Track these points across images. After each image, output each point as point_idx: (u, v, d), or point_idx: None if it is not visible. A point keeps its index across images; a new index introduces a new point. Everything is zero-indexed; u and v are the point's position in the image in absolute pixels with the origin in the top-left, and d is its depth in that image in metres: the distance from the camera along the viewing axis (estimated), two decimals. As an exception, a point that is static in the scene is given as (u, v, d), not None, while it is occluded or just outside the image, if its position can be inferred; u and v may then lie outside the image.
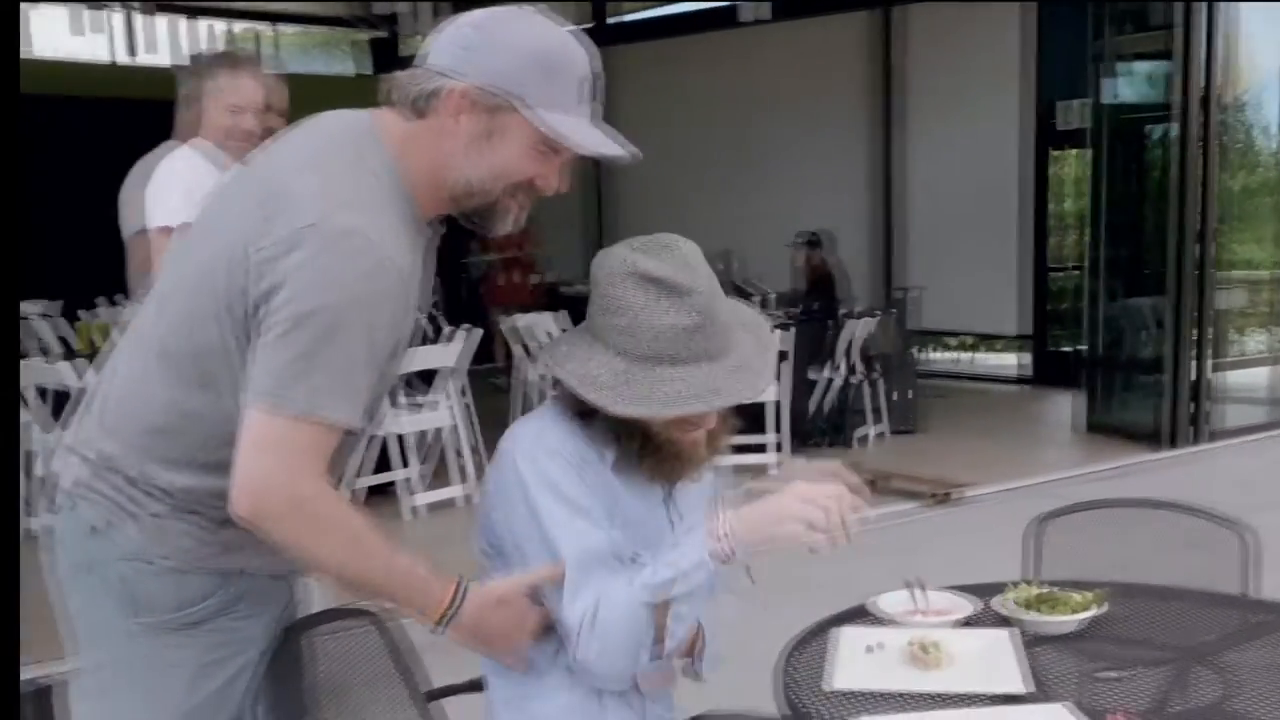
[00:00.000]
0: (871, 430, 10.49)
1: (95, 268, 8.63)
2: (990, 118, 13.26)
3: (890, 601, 2.74)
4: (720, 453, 2.43)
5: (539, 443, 2.33)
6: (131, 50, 13.09)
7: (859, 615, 2.76)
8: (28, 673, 1.83)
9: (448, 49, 2.15)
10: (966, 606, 2.68)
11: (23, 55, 14.60)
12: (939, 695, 2.30)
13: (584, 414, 2.33)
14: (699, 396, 2.23)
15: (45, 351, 9.80)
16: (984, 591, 2.80)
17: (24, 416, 7.18)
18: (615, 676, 2.30)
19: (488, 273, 14.00)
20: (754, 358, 2.33)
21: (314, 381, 2.03)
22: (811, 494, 2.25)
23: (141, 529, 2.20)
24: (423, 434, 8.25)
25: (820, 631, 2.66)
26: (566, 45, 2.18)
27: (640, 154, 2.24)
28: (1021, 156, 13.30)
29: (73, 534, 2.25)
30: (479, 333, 8.35)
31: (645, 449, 2.33)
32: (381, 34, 17.13)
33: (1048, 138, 13.26)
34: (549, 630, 2.32)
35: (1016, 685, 2.32)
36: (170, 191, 4.22)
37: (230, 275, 2.07)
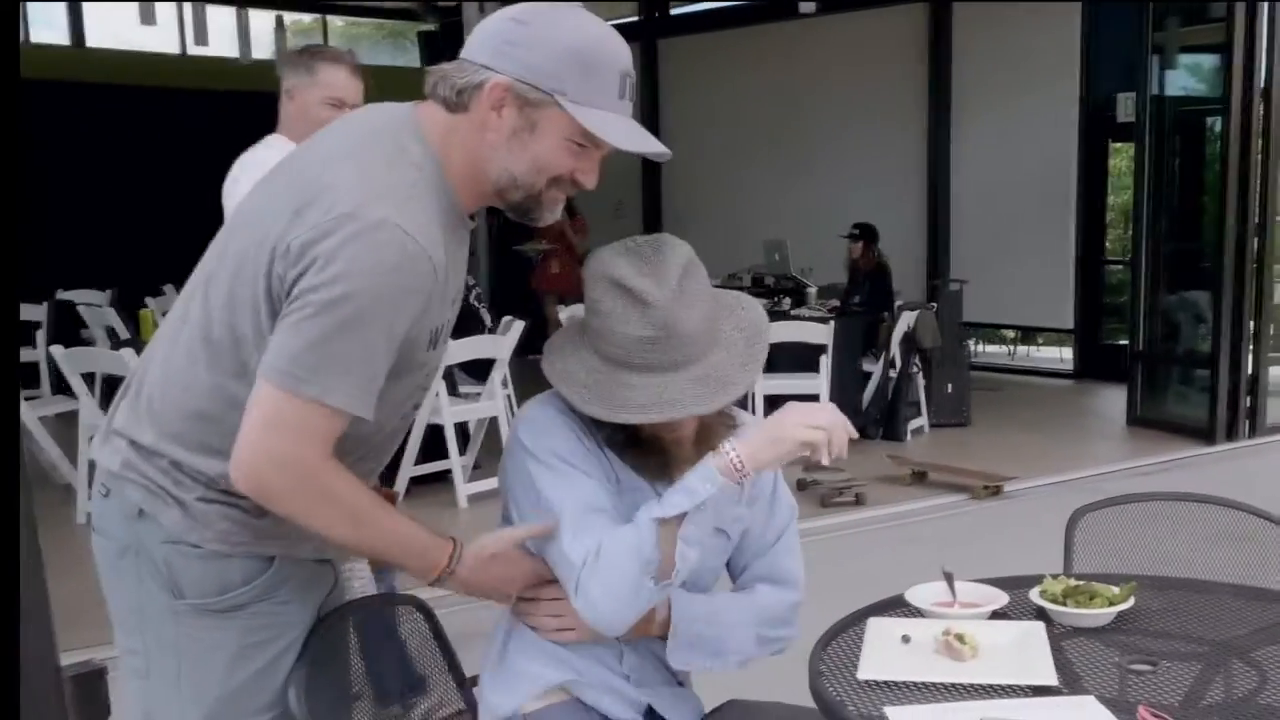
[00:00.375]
0: (924, 423, 10.50)
1: (160, 255, 8.77)
2: (1046, 110, 13.18)
3: (924, 592, 2.75)
4: (704, 451, 2.39)
5: (542, 415, 2.44)
6: (200, 39, 13.18)
7: (894, 606, 2.77)
8: (79, 655, 1.88)
9: (489, 42, 2.18)
10: (999, 598, 2.70)
11: (84, 45, 14.63)
12: (969, 686, 2.32)
13: (599, 432, 2.44)
14: (653, 406, 2.29)
15: (113, 336, 9.94)
16: (1018, 584, 2.81)
17: (82, 403, 7.30)
18: (618, 613, 2.32)
19: (540, 261, 14.06)
20: (729, 367, 2.36)
21: (329, 368, 2.08)
22: (809, 416, 2.34)
23: (184, 513, 2.24)
24: (478, 422, 8.31)
25: (855, 621, 2.68)
26: (606, 42, 2.19)
27: (671, 152, 2.27)
28: (1080, 149, 13.19)
29: (118, 517, 2.30)
30: (520, 324, 8.35)
31: (630, 444, 2.42)
32: (430, 27, 17.20)
33: (1107, 130, 13.16)
34: (544, 580, 2.44)
35: (1047, 677, 2.33)
36: (243, 184, 4.29)
37: (269, 263, 2.11)
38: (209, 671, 2.31)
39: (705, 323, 2.35)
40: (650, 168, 16.91)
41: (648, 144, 2.25)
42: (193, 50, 15.29)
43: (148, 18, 12.26)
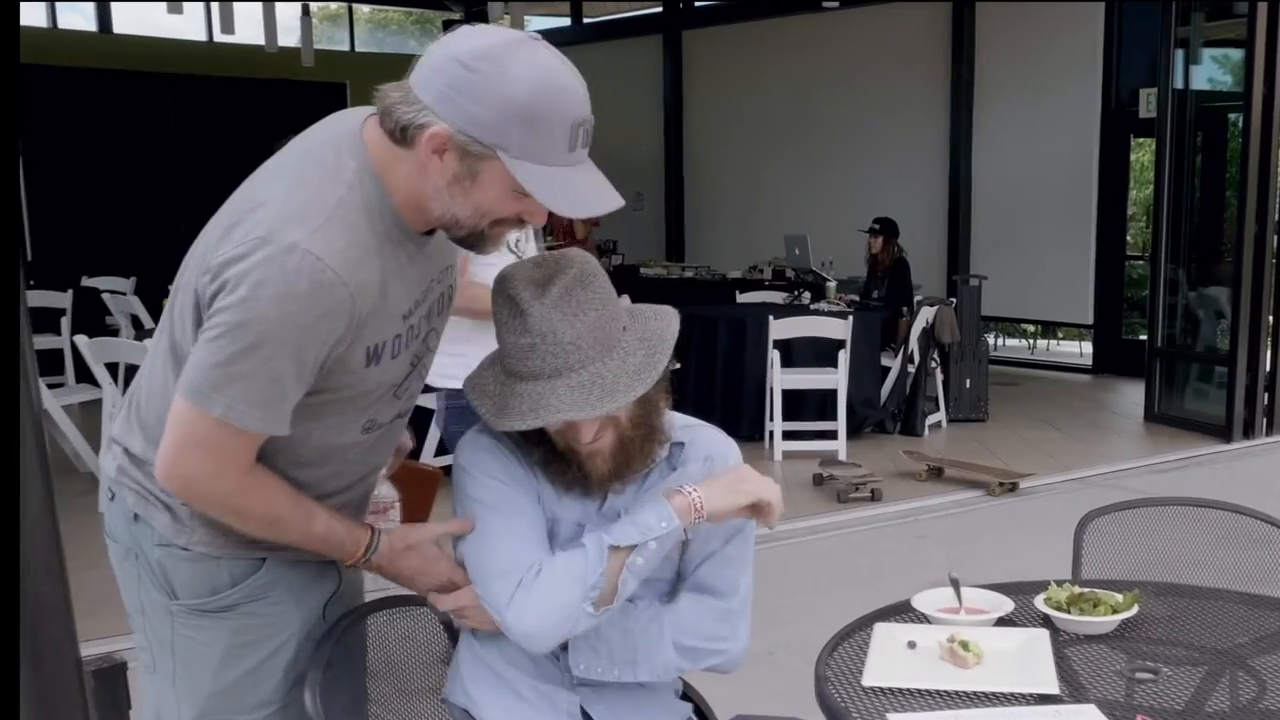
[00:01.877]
0: (941, 418, 10.52)
1: (183, 243, 8.84)
2: (1068, 105, 13.15)
3: (931, 598, 2.78)
4: (627, 469, 2.43)
5: (477, 445, 2.47)
6: (227, 27, 13.23)
7: (900, 611, 2.80)
8: (102, 645, 1.92)
9: (435, 83, 2.08)
10: (1005, 605, 2.72)
11: (111, 31, 14.63)
12: (972, 694, 2.35)
13: (523, 442, 2.44)
14: (530, 412, 2.27)
15: (136, 324, 9.98)
16: (1024, 590, 2.84)
17: (105, 392, 7.38)
18: (548, 633, 2.33)
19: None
20: (618, 375, 2.29)
21: (233, 389, 2.09)
22: (765, 481, 2.42)
23: (172, 517, 2.31)
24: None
25: (861, 626, 2.71)
26: (559, 94, 2.09)
27: (624, 202, 2.21)
28: (1101, 144, 13.18)
29: (118, 521, 2.39)
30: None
31: (550, 458, 2.42)
32: (456, 16, 17.22)
33: (1128, 125, 13.14)
34: (456, 583, 2.46)
35: (1050, 685, 2.36)
36: None
37: (198, 276, 2.14)
38: (202, 669, 2.38)
39: (592, 332, 2.27)
40: (671, 159, 16.92)
41: (588, 204, 2.18)
42: (219, 38, 15.37)
43: (175, 6, 12.31)
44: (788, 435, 9.33)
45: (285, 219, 2.07)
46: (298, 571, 2.41)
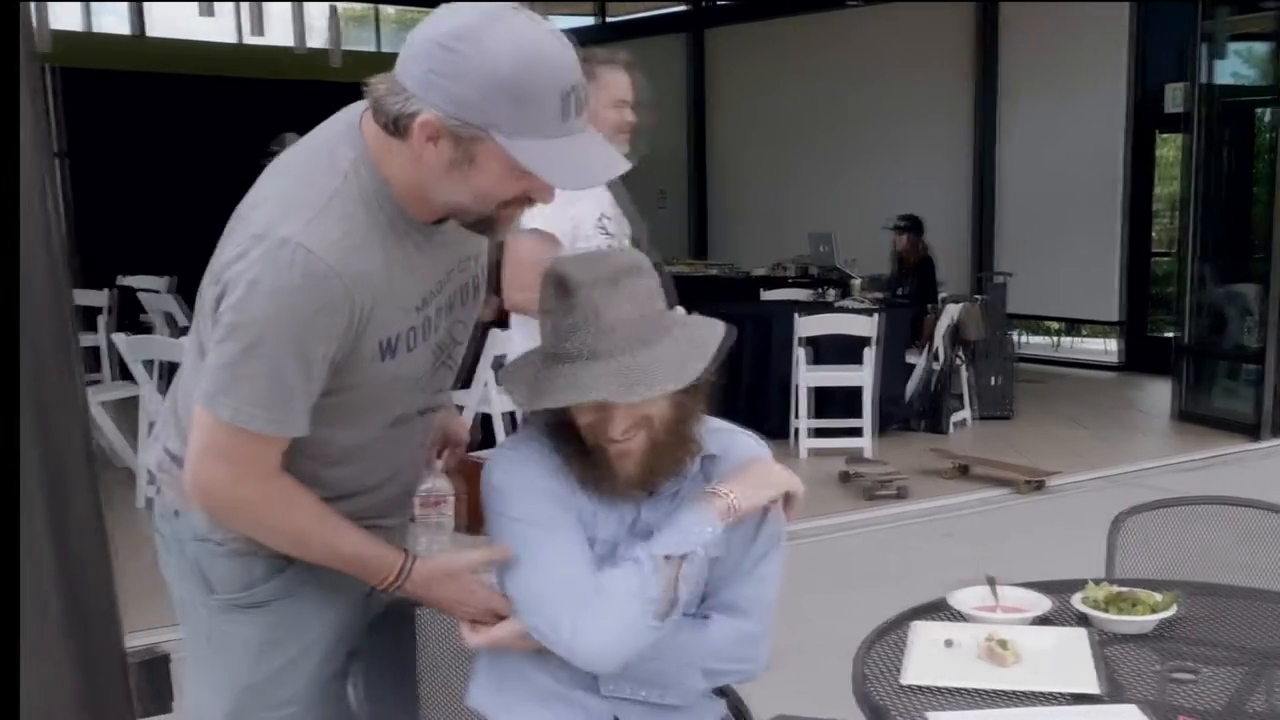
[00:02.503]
0: (967, 416, 10.50)
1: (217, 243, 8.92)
2: (1094, 101, 13.11)
3: (967, 596, 2.78)
4: (654, 476, 2.35)
5: (511, 461, 2.41)
6: (257, 29, 13.32)
7: (937, 609, 2.80)
8: (141, 638, 1.93)
9: (417, 69, 2.03)
10: (1042, 604, 2.72)
11: (144, 34, 14.78)
12: (1011, 693, 2.35)
13: (553, 438, 2.37)
14: (563, 390, 2.21)
15: (171, 323, 10.05)
16: (1061, 589, 2.83)
17: (142, 388, 7.46)
18: (616, 653, 2.27)
19: None
20: (660, 366, 2.22)
21: (240, 391, 2.07)
22: (788, 473, 2.43)
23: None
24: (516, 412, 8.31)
25: (898, 625, 2.71)
26: (542, 63, 2.01)
27: (628, 166, 2.18)
28: (1126, 140, 13.13)
29: (162, 515, 2.40)
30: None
31: (577, 457, 2.34)
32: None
33: (1154, 121, 13.09)
34: (496, 613, 2.36)
35: (1089, 685, 2.36)
36: None
37: (208, 281, 2.14)
38: (236, 664, 2.39)
39: (639, 320, 2.22)
40: (695, 156, 16.90)
41: (592, 173, 2.16)
42: (250, 40, 15.47)
43: (206, 8, 12.38)
44: (814, 433, 9.33)
45: (279, 214, 2.06)
46: (331, 571, 2.37)
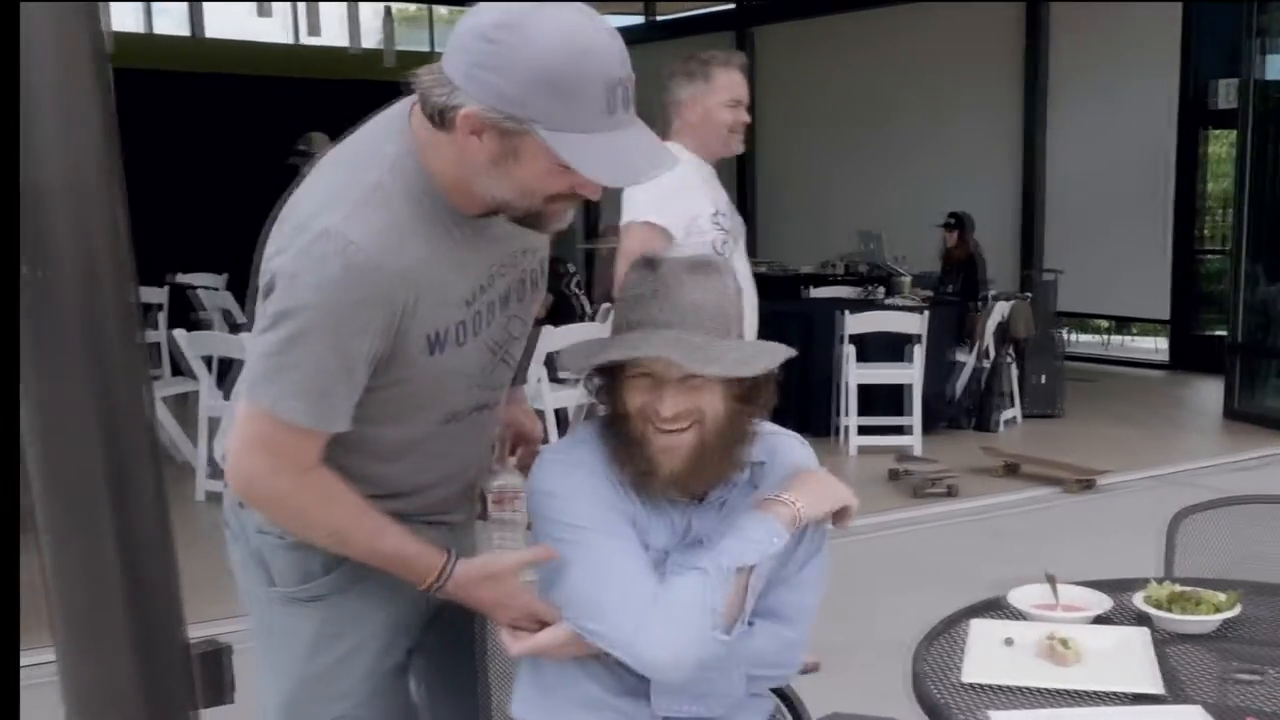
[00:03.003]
0: (1015, 414, 10.45)
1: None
2: (1143, 96, 13.01)
3: (1026, 594, 2.76)
4: (697, 478, 2.30)
5: (562, 464, 2.37)
6: (313, 29, 13.47)
7: (994, 607, 2.79)
8: (197, 631, 1.94)
9: (461, 61, 1.99)
10: (1102, 602, 2.71)
11: (202, 36, 14.95)
12: (1073, 692, 2.34)
13: (603, 424, 2.35)
14: (630, 346, 2.20)
15: (228, 319, 10.16)
16: (1120, 588, 2.81)
17: (201, 384, 7.55)
18: (681, 662, 2.22)
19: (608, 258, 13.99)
20: (721, 352, 2.19)
21: (280, 381, 2.07)
22: (833, 478, 2.39)
23: None
24: (577, 408, 8.29)
25: (955, 622, 2.69)
26: (586, 55, 1.95)
27: (676, 162, 2.14)
28: (1175, 136, 13.02)
29: (229, 506, 2.41)
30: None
31: (624, 450, 2.28)
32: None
33: (1203, 117, 12.97)
34: (537, 618, 2.31)
35: (1152, 685, 2.34)
36: (641, 189, 4.35)
37: (256, 277, 2.14)
38: (290, 657, 2.40)
39: (713, 310, 2.22)
40: (742, 154, 16.80)
41: (636, 169, 2.07)
42: (305, 40, 15.61)
43: (264, 8, 12.50)
44: (861, 430, 9.30)
45: (321, 207, 2.06)
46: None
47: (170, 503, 1.88)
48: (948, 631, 2.66)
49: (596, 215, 13.63)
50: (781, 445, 2.45)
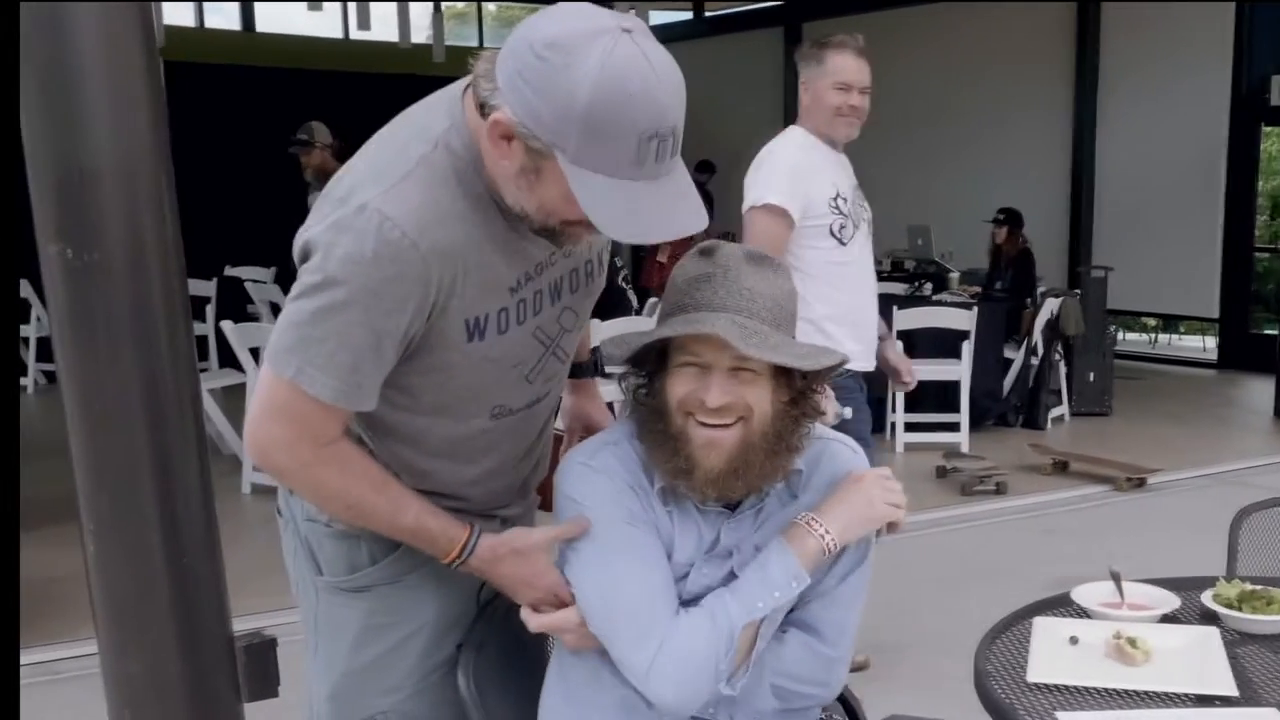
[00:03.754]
0: (1064, 411, 10.35)
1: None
2: (1196, 93, 12.85)
3: (1091, 592, 2.70)
4: (738, 479, 2.15)
5: (587, 471, 2.24)
6: (363, 24, 13.54)
7: (1059, 604, 2.72)
8: (244, 623, 1.92)
9: (509, 62, 1.91)
10: (1170, 601, 2.64)
11: (254, 30, 15.18)
12: (1141, 693, 2.28)
13: (638, 424, 2.22)
14: (683, 324, 2.08)
15: (276, 311, 10.21)
16: (1186, 586, 2.74)
17: (249, 375, 7.60)
18: (686, 706, 2.15)
19: (649, 254, 13.93)
20: (780, 343, 2.09)
21: (306, 352, 2.00)
22: (891, 492, 2.21)
23: None
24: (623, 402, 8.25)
25: (1018, 620, 2.64)
26: (627, 102, 1.84)
27: (700, 227, 1.99)
28: (1229, 133, 12.85)
29: (282, 494, 2.38)
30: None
31: (661, 444, 2.16)
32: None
33: (1259, 114, 12.80)
34: (561, 599, 2.23)
35: (1225, 687, 2.27)
36: (763, 172, 4.43)
37: (295, 252, 2.09)
38: (337, 648, 2.36)
39: (769, 301, 2.11)
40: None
41: (642, 228, 1.95)
42: (355, 35, 15.65)
43: (314, 4, 12.56)
44: (909, 427, 9.22)
45: (362, 181, 2.01)
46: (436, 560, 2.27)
47: (217, 497, 1.86)
48: (1011, 629, 2.60)
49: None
50: (827, 452, 2.29)
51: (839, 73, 4.49)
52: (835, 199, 4.41)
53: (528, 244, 2.13)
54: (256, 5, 16.57)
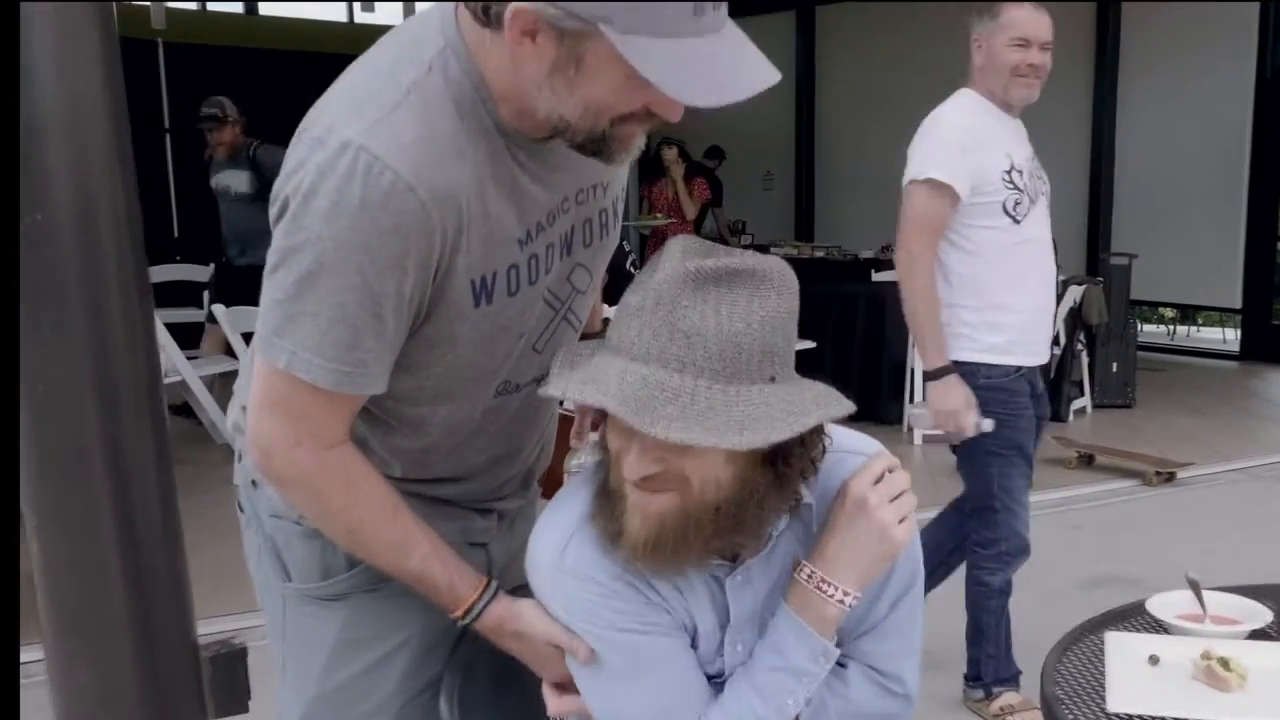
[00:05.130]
0: (1086, 403, 10.09)
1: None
2: (1219, 81, 12.58)
3: (1166, 603, 2.40)
4: (674, 555, 1.74)
5: (567, 580, 1.84)
6: (367, 6, 13.44)
7: (1130, 616, 2.43)
8: (231, 622, 1.68)
9: None
10: (1260, 614, 2.34)
11: (256, 13, 15.24)
12: (1241, 723, 1.99)
13: (594, 493, 1.84)
14: (574, 380, 1.68)
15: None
16: (1269, 594, 2.46)
17: (242, 361, 7.38)
18: None
19: (650, 237, 13.62)
20: (714, 406, 1.60)
21: (296, 333, 1.69)
22: (884, 492, 1.78)
23: None
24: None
25: (1087, 634, 2.35)
26: None
27: (776, 78, 1.62)
28: (1252, 122, 12.55)
29: (242, 486, 2.07)
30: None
31: (601, 495, 1.81)
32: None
33: (1284, 105, 12.51)
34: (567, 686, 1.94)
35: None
36: (928, 141, 4.09)
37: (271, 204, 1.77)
38: (309, 666, 2.06)
39: (724, 342, 1.62)
40: (802, 138, 16.59)
41: (728, 85, 1.60)
42: (360, 18, 15.49)
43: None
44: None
45: (343, 114, 1.67)
46: None
47: (209, 487, 1.62)
48: (1079, 644, 2.31)
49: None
50: (836, 472, 1.83)
51: (1016, 26, 4.07)
52: (1010, 172, 3.99)
53: (538, 187, 1.81)
54: (261, -12, 16.50)
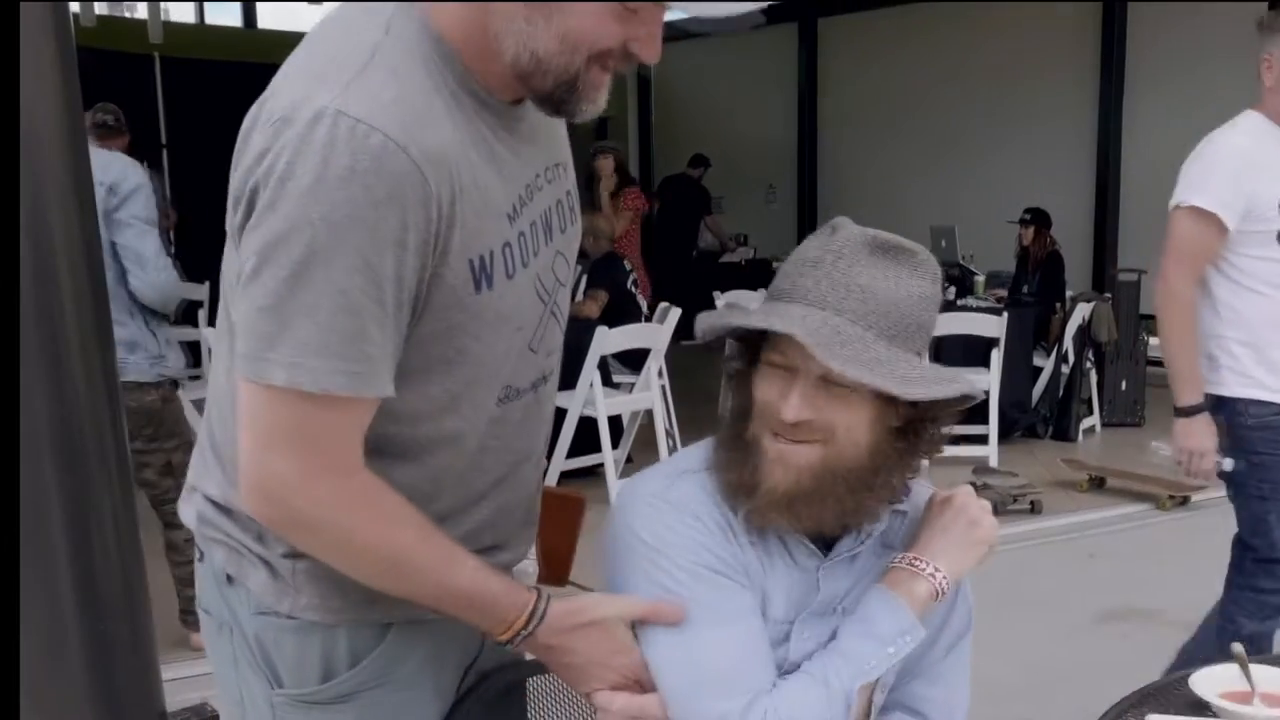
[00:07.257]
0: (1095, 422, 9.94)
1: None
2: (1227, 95, 12.40)
3: (1210, 680, 2.15)
4: (807, 509, 1.76)
5: (664, 504, 1.82)
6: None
7: (1172, 691, 2.20)
8: (187, 687, 1.53)
9: None
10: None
11: (255, 26, 15.32)
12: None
13: (721, 432, 1.85)
14: (757, 315, 1.73)
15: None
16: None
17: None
18: None
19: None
20: (880, 358, 1.68)
21: (293, 338, 1.48)
22: (972, 498, 1.90)
23: (270, 575, 1.73)
24: (632, 415, 7.86)
25: (1127, 710, 2.13)
26: None
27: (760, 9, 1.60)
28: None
29: (210, 585, 1.81)
30: (677, 311, 7.88)
31: (728, 445, 1.81)
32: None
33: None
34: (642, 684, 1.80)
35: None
36: (1199, 165, 3.80)
37: (228, 213, 1.58)
38: None
39: (886, 303, 1.71)
40: (805, 150, 16.55)
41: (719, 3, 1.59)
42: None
43: (316, 0, 12.43)
44: (934, 440, 8.77)
45: (306, 87, 1.51)
46: (434, 633, 1.80)
47: None
48: (1120, 723, 2.09)
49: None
50: (921, 494, 1.94)
51: None
52: None
53: (516, 158, 1.67)
54: (258, 2, 16.48)
